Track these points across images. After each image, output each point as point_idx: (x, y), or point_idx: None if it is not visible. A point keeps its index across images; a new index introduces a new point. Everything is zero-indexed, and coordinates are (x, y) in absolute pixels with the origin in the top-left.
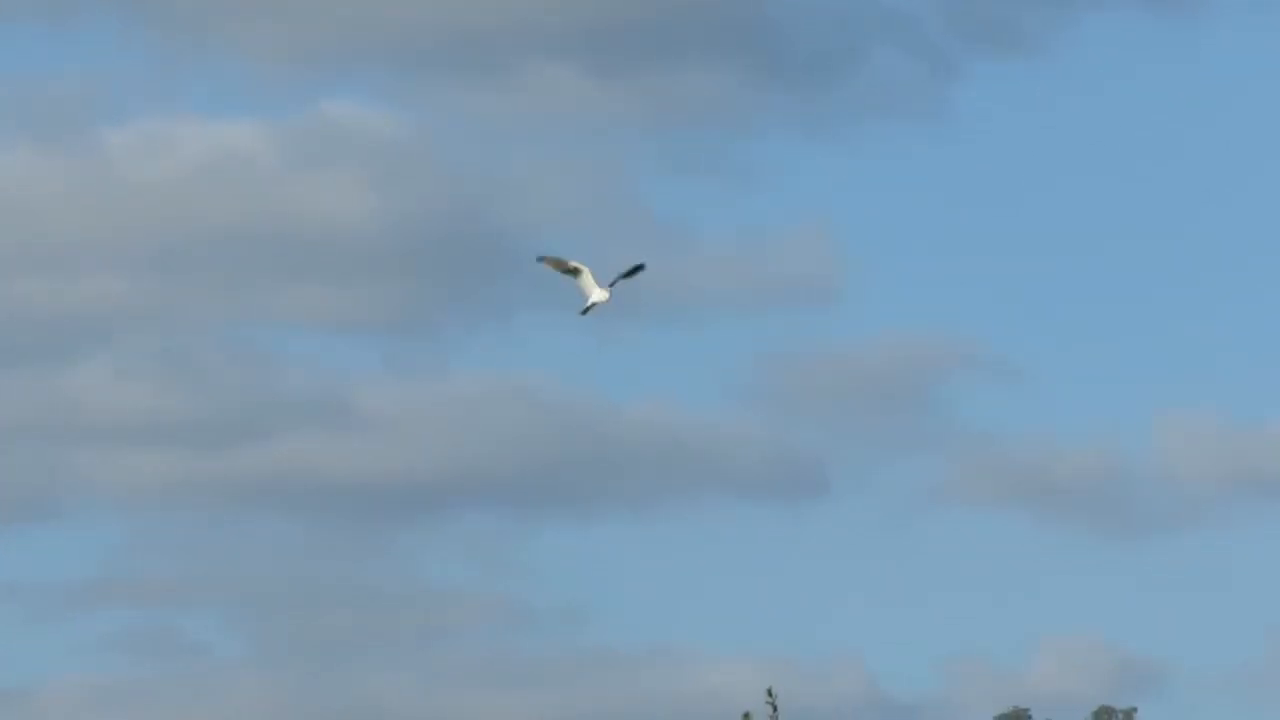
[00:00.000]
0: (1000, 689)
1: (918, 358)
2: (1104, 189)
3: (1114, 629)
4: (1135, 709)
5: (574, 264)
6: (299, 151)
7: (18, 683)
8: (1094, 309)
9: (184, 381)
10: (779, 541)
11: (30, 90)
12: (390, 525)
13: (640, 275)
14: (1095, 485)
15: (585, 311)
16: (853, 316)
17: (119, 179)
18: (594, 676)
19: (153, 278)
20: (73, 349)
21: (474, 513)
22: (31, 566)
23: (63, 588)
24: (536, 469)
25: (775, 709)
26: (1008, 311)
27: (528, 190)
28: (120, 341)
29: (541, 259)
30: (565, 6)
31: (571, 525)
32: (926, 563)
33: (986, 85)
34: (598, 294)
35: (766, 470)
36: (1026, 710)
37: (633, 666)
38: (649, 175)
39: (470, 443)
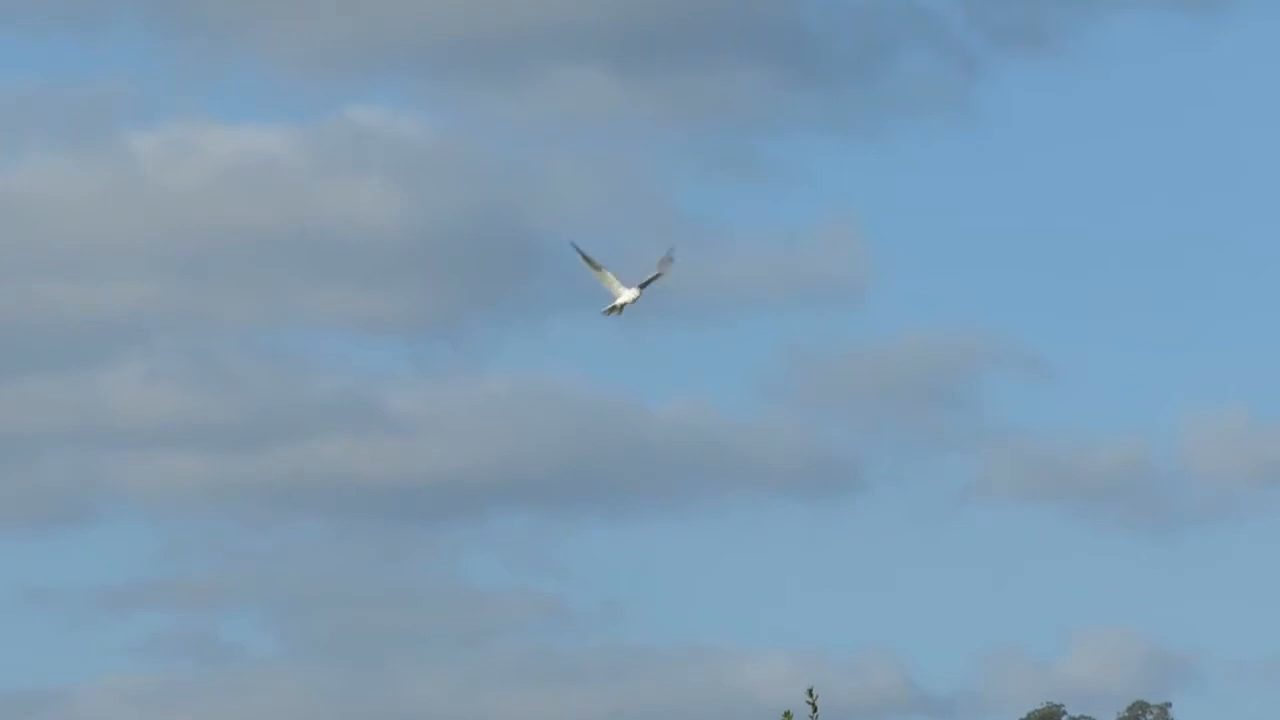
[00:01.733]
0: (1035, 684)
1: (948, 354)
2: (1129, 185)
3: (1147, 623)
4: (1169, 704)
5: (599, 265)
6: (327, 156)
7: (57, 685)
8: (1122, 305)
9: (217, 385)
10: (813, 538)
11: (60, 96)
12: (425, 526)
13: (661, 281)
14: (1125, 480)
15: (609, 311)
16: (883, 314)
17: (148, 184)
18: (631, 674)
19: (183, 282)
20: (105, 354)
21: (508, 513)
22: (68, 571)
23: (99, 591)
24: (570, 468)
25: (816, 709)
26: (1037, 308)
27: (557, 192)
28: (152, 346)
29: (575, 246)
30: (592, 9)
31: (606, 524)
32: (959, 558)
33: (1012, 83)
34: (626, 294)
35: (799, 467)
36: (1060, 706)
37: (669, 664)
38: (678, 175)
39: (503, 443)
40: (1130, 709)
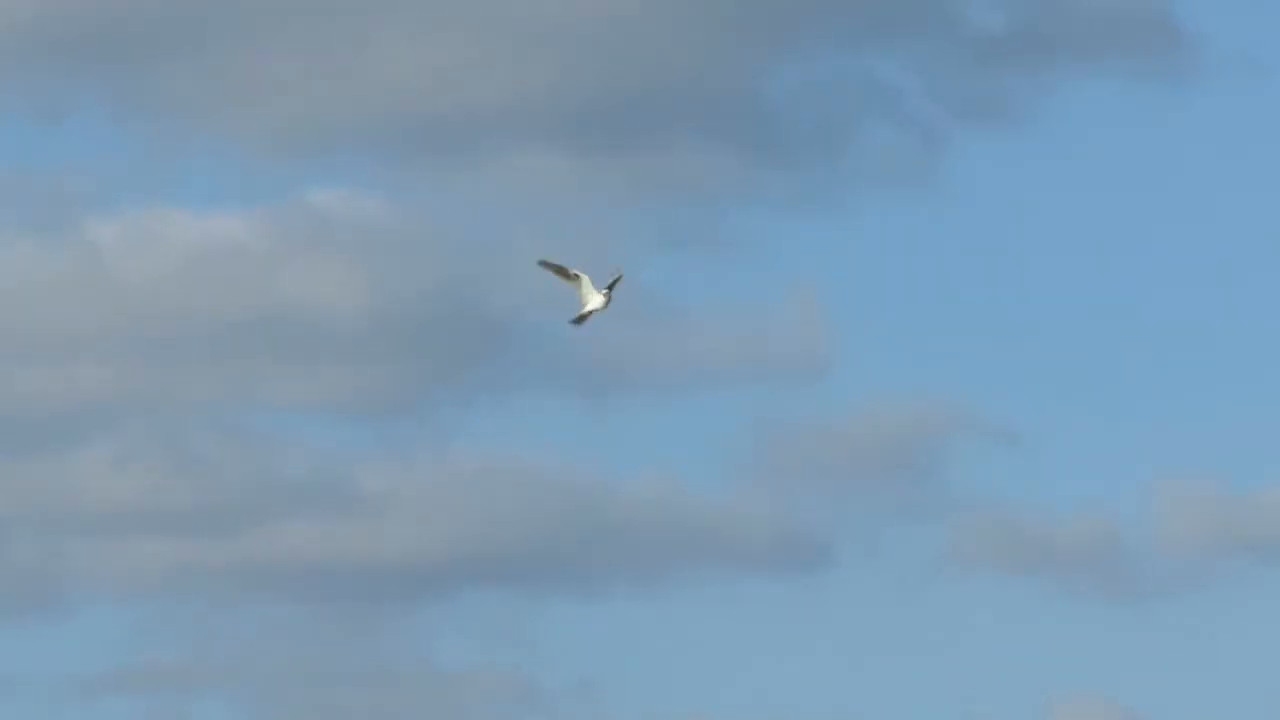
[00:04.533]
0: None
1: (915, 426)
2: (1095, 256)
3: (1120, 694)
4: None
5: (574, 271)
6: (289, 239)
7: None
8: (1089, 375)
9: (184, 468)
10: (784, 613)
11: (20, 184)
12: (395, 606)
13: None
14: (1096, 551)
15: (579, 320)
16: (850, 387)
17: (111, 270)
18: None
19: (149, 366)
20: (71, 439)
21: (479, 592)
22: (37, 658)
23: (69, 678)
24: (539, 546)
25: None
26: (1004, 379)
27: (520, 270)
28: (119, 430)
29: (542, 263)
30: (551, 88)
31: (577, 602)
32: (932, 632)
33: (975, 156)
34: (595, 300)
35: (769, 543)
36: None
37: None
38: (641, 251)
39: (472, 522)
40: None
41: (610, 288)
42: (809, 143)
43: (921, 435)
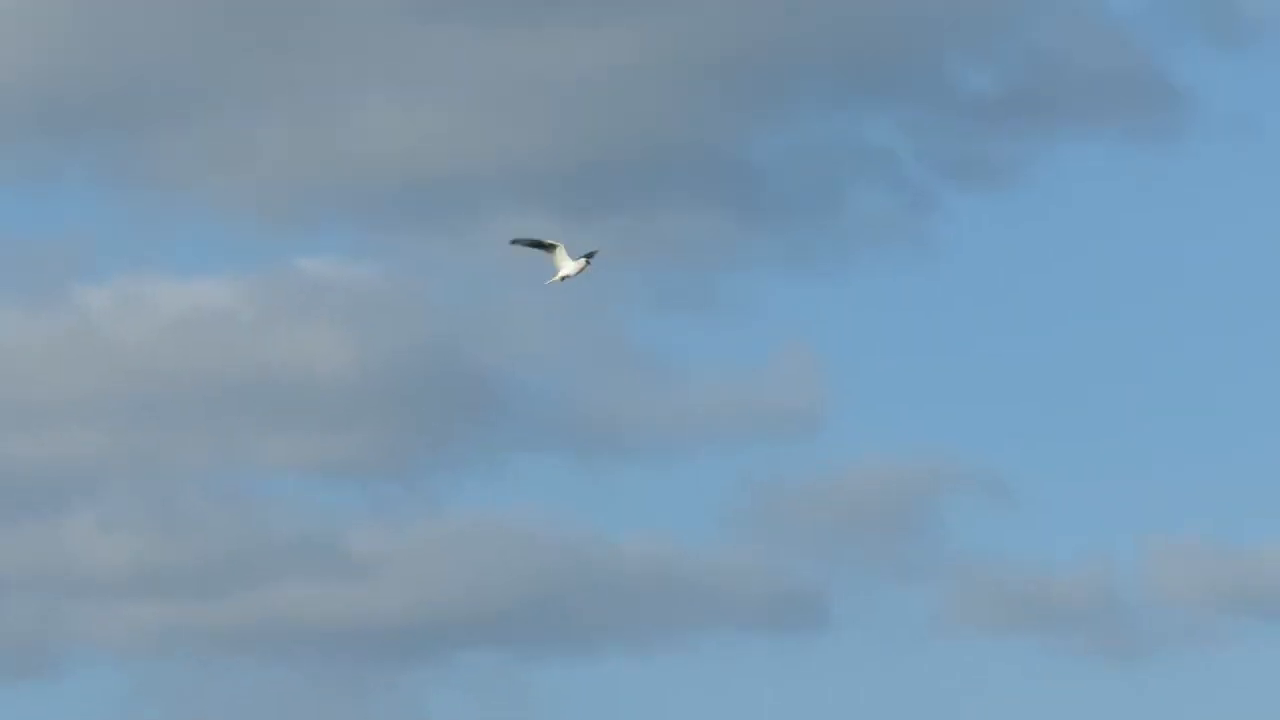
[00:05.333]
0: None
1: (909, 483)
2: (1087, 313)
3: None
4: None
5: (550, 241)
6: (277, 305)
7: None
8: (1082, 431)
9: (174, 532)
10: (779, 672)
11: (9, 251)
12: (388, 668)
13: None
14: (1090, 607)
15: (560, 279)
16: (843, 444)
17: (101, 337)
18: None
19: (138, 431)
20: (61, 503)
21: (472, 653)
22: None
23: None
24: (532, 607)
25: None
26: (997, 435)
27: (510, 332)
28: (109, 494)
29: (515, 241)
30: (541, 151)
31: (571, 662)
32: (927, 690)
33: (965, 216)
34: (569, 265)
35: (763, 601)
36: None
37: None
38: (632, 312)
39: (464, 583)
40: None
41: (588, 257)
42: (801, 204)
43: (915, 492)
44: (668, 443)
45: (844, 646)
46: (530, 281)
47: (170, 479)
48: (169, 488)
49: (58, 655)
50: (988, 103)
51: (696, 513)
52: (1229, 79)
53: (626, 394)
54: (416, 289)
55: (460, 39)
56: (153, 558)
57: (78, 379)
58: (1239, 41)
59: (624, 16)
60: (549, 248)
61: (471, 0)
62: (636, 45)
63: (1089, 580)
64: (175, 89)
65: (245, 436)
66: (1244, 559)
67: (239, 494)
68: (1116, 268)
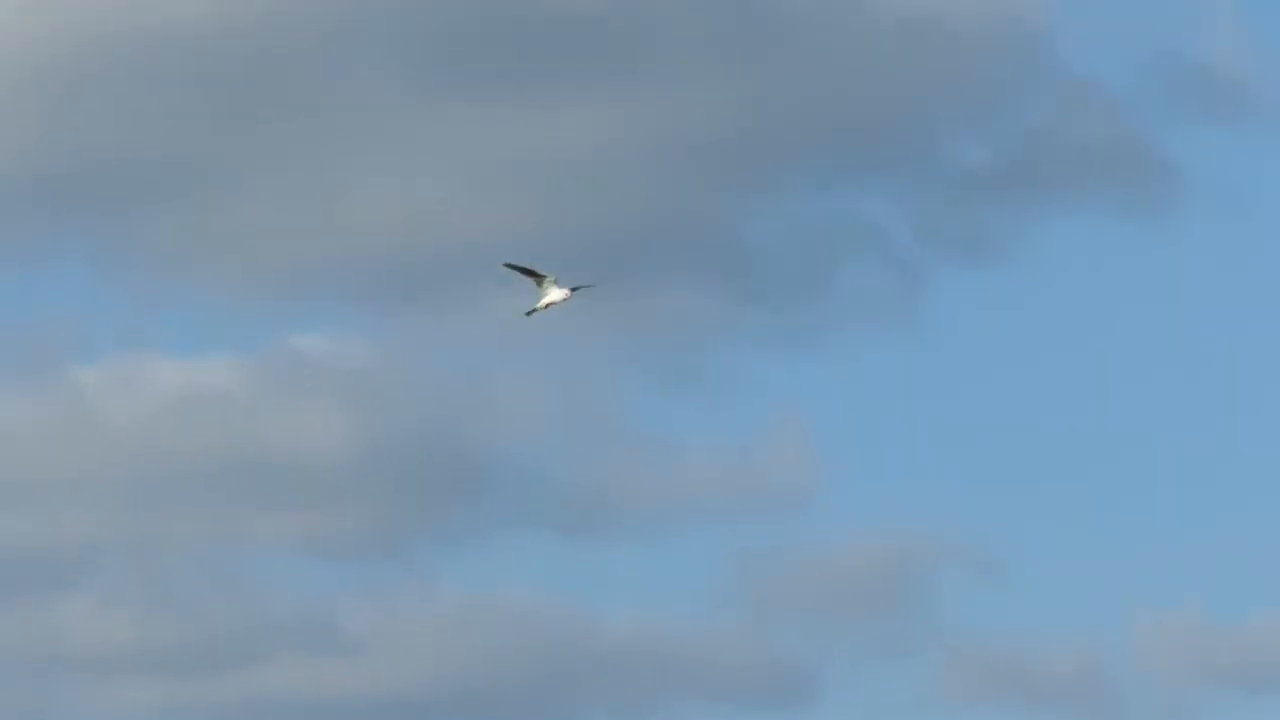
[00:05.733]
0: None
1: (899, 559)
2: (1077, 389)
3: None
4: None
5: (542, 272)
6: (272, 384)
7: None
8: (1072, 506)
9: (169, 611)
10: None
11: (3, 333)
12: None
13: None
14: (1081, 683)
15: (544, 306)
16: (834, 520)
17: (95, 416)
18: None
19: (133, 511)
20: (56, 583)
21: None
22: None
23: None
24: (524, 683)
25: None
26: (988, 511)
27: (503, 409)
28: (104, 573)
29: (508, 265)
30: (535, 230)
31: None
32: None
33: (957, 292)
34: (554, 294)
35: (754, 678)
36: None
37: None
38: (625, 389)
39: (457, 660)
40: None
41: (575, 288)
42: (793, 281)
43: (906, 568)
44: (659, 519)
45: None
46: (524, 359)
47: (165, 557)
48: (164, 566)
49: None
50: (979, 178)
51: (687, 589)
52: (1220, 154)
53: (618, 471)
54: (410, 367)
55: (454, 119)
56: (148, 636)
57: (72, 459)
58: (1230, 116)
59: (616, 96)
60: (539, 277)
61: (464, 81)
62: (629, 124)
63: (1078, 656)
64: (169, 169)
65: (239, 514)
66: (1232, 635)
67: (233, 572)
68: (1108, 342)
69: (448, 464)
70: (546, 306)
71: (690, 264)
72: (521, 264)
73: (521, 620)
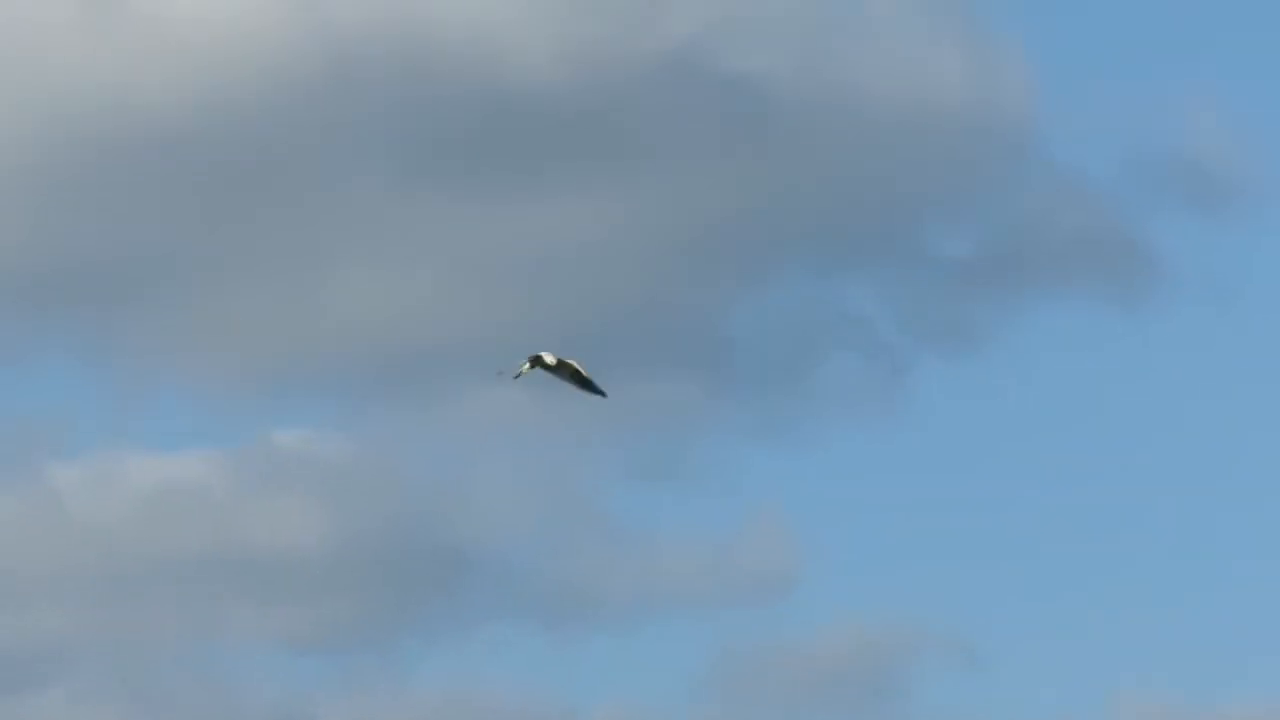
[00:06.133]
0: None
1: (879, 647)
2: (1059, 479)
3: None
4: None
5: (545, 357)
6: (251, 479)
7: None
8: (1051, 594)
9: (147, 706)
10: None
11: None
12: None
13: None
14: None
15: (518, 375)
16: (813, 610)
17: (73, 512)
18: None
19: (110, 605)
20: (32, 680)
21: None
22: None
23: None
24: None
25: None
26: (967, 599)
27: (482, 503)
28: (80, 670)
29: (518, 376)
30: (513, 322)
31: None
32: None
33: (940, 381)
34: (547, 356)
35: None
36: None
37: None
38: (605, 481)
39: None
40: None
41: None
42: (774, 371)
43: (887, 657)
44: (638, 611)
45: None
46: (503, 451)
47: (143, 652)
48: (142, 662)
49: None
50: (962, 268)
51: (667, 681)
52: (1203, 244)
53: (597, 563)
54: (389, 461)
55: (434, 212)
56: None
57: (50, 554)
58: (1213, 207)
59: (596, 187)
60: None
61: (445, 173)
62: (609, 215)
63: None
64: (147, 263)
65: (218, 609)
66: (1211, 718)
67: (212, 667)
68: (1091, 432)
69: (426, 557)
70: (533, 367)
71: (672, 355)
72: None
73: (501, 713)
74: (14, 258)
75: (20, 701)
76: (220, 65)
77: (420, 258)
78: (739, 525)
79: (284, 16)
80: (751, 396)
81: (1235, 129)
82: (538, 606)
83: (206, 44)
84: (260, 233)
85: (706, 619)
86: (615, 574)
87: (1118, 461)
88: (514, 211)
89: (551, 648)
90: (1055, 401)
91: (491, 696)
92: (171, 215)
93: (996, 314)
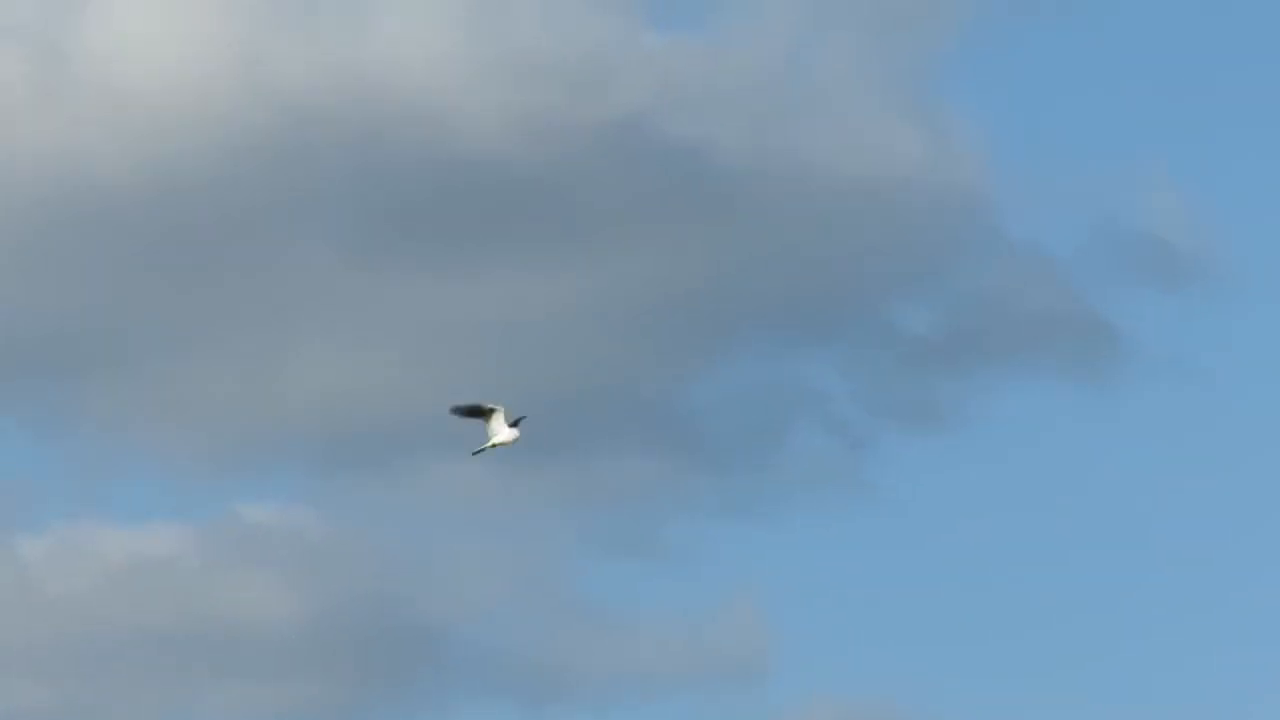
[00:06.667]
0: None
1: None
2: (1027, 555)
3: None
4: None
5: (489, 405)
6: (218, 554)
7: None
8: (1023, 671)
9: None
10: None
11: None
12: None
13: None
14: None
15: (491, 446)
16: (787, 690)
17: (39, 588)
18: None
19: (75, 683)
20: None
21: None
22: None
23: None
24: None
25: None
26: (940, 678)
27: (453, 581)
28: None
29: (454, 410)
30: (483, 396)
31: None
32: None
33: (904, 459)
34: (504, 434)
35: None
36: None
37: None
38: (572, 559)
39: None
40: None
41: (516, 424)
42: (738, 448)
43: None
44: (610, 692)
45: None
46: (474, 530)
47: None
48: None
49: None
50: (926, 345)
51: None
52: (1166, 319)
53: (569, 642)
54: (360, 536)
55: (397, 285)
56: None
57: (14, 629)
58: (1175, 283)
59: (560, 262)
60: (488, 413)
61: (408, 247)
62: (573, 290)
63: None
64: (111, 336)
65: (186, 685)
66: None
67: None
68: (1058, 507)
69: (399, 634)
70: (494, 447)
71: (637, 432)
72: (467, 405)
73: None
74: None
75: None
76: (169, 130)
77: (385, 331)
78: (709, 603)
79: (233, 82)
80: (717, 473)
81: (1194, 204)
82: (511, 685)
83: (154, 109)
84: (225, 304)
85: (680, 698)
86: (587, 653)
87: (1087, 536)
88: (478, 286)
89: None
90: (1022, 477)
91: None
92: (135, 287)
93: (960, 390)
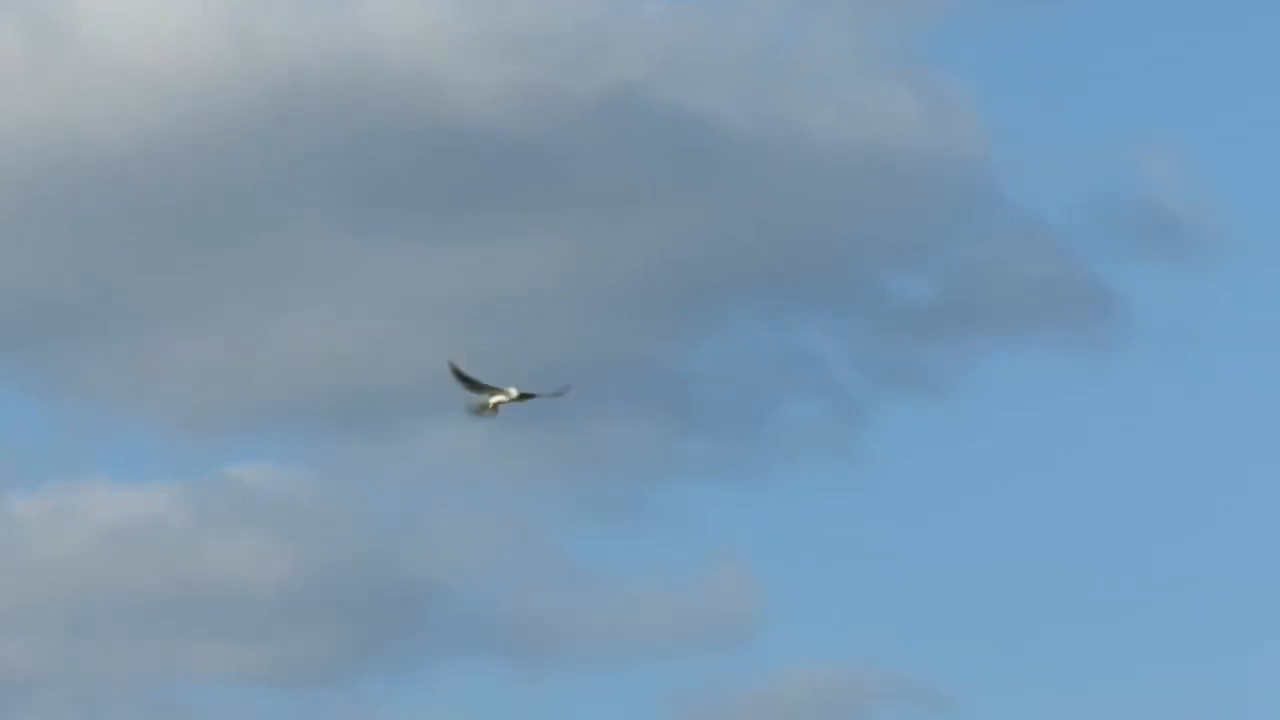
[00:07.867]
0: None
1: (841, 693)
2: (1020, 523)
3: None
4: None
5: (490, 385)
6: (210, 514)
7: None
8: (1019, 641)
9: None
10: None
11: None
12: None
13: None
14: None
15: (493, 405)
16: (774, 654)
17: (31, 547)
18: None
19: (68, 641)
20: None
21: None
22: None
23: None
24: None
25: None
26: (929, 644)
27: (443, 542)
28: (37, 705)
29: (455, 371)
30: (471, 362)
31: None
32: None
33: (895, 425)
34: (503, 395)
35: None
36: None
37: None
38: (563, 523)
39: None
40: None
41: (525, 395)
42: (730, 413)
43: (850, 703)
44: (599, 653)
45: None
46: (464, 493)
47: (102, 688)
48: (102, 697)
49: None
50: (921, 312)
51: None
52: (1164, 288)
53: (558, 604)
54: (351, 497)
55: (391, 251)
56: None
57: (8, 590)
58: (1173, 251)
59: (552, 228)
60: (491, 389)
61: (401, 213)
62: (564, 256)
63: None
64: (105, 302)
65: (178, 644)
66: None
67: (172, 702)
68: (1051, 477)
69: (388, 595)
70: (495, 406)
71: (629, 397)
72: (475, 378)
73: None
74: None
75: None
76: (164, 100)
77: (376, 296)
78: (698, 568)
79: (227, 52)
80: (709, 439)
81: (1195, 172)
82: (500, 646)
83: (149, 79)
84: (217, 270)
85: (667, 662)
86: (575, 616)
87: (1080, 505)
88: (468, 253)
89: (514, 686)
90: (1016, 446)
91: None
92: (127, 253)
93: (955, 358)
